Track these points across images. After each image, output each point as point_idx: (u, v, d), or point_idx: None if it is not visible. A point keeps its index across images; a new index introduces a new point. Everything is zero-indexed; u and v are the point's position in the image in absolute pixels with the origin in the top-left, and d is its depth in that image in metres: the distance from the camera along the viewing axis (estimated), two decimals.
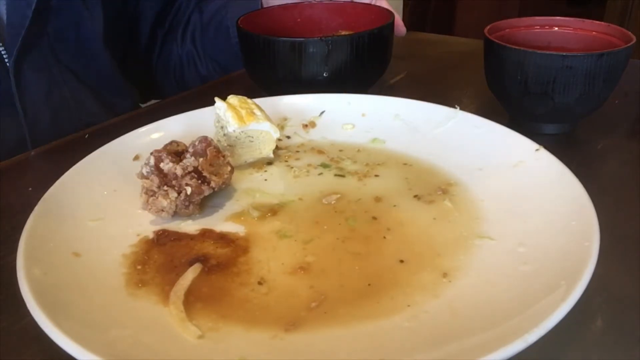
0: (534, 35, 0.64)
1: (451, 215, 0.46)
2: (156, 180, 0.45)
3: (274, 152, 0.56)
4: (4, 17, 0.66)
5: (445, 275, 0.39)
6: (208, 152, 0.46)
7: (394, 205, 0.47)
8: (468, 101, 0.71)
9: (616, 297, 0.38)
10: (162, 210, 0.45)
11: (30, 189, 0.52)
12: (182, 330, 0.35)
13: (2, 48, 0.66)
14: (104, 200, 0.47)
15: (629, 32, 0.58)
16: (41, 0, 0.66)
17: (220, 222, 0.46)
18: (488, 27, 0.61)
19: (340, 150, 0.57)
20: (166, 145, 0.48)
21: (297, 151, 0.57)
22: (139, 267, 0.40)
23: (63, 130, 0.71)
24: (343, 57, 0.65)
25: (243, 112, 0.52)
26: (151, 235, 0.44)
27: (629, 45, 0.55)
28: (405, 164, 0.54)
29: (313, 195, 0.49)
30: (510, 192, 0.46)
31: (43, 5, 0.66)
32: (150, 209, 0.45)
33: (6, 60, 0.66)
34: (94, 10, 0.74)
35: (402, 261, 0.41)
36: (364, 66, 0.67)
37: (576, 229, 0.39)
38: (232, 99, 0.54)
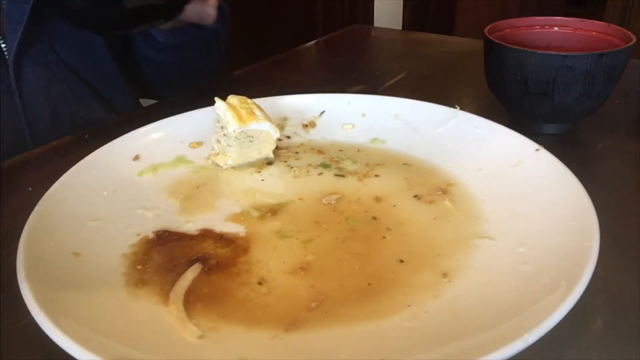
0: (534, 35, 0.64)
1: (451, 215, 0.46)
2: None
3: (274, 152, 0.56)
4: (5, 11, 0.66)
5: (445, 275, 0.39)
6: None
7: (394, 205, 0.47)
8: (468, 101, 0.71)
9: (616, 297, 0.38)
10: None
11: (30, 189, 0.52)
12: (182, 330, 0.35)
13: (4, 43, 0.66)
14: (104, 200, 0.47)
15: (629, 32, 0.58)
16: None
17: (220, 222, 0.46)
18: (488, 27, 0.61)
19: (340, 150, 0.57)
20: None
21: (297, 151, 0.57)
22: (139, 267, 0.40)
23: (62, 127, 0.71)
24: None
25: (243, 112, 0.52)
26: (151, 235, 0.44)
27: (629, 45, 0.55)
28: (405, 164, 0.54)
29: (313, 195, 0.49)
30: (510, 192, 0.46)
31: (41, 1, 0.66)
32: None
33: (7, 55, 0.66)
34: None
35: (402, 261, 0.41)
36: None
37: (576, 229, 0.39)
38: (232, 99, 0.54)
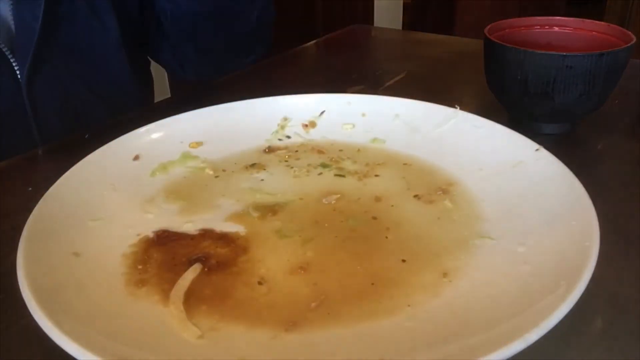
0: (534, 35, 0.64)
1: (451, 215, 0.46)
2: None
3: (274, 152, 0.55)
4: (14, 31, 0.65)
5: (445, 275, 0.39)
6: None
7: (394, 205, 0.47)
8: (468, 101, 0.72)
9: (616, 297, 0.38)
10: None
11: (30, 189, 0.52)
12: (182, 330, 0.35)
13: (15, 62, 0.65)
14: (104, 200, 0.47)
15: (629, 32, 0.58)
16: (48, 12, 0.65)
17: (221, 222, 0.46)
18: (488, 27, 0.61)
19: (340, 150, 0.57)
20: None
21: (297, 151, 0.57)
22: (140, 266, 0.40)
23: None
24: None
25: None
26: (151, 235, 0.44)
27: (629, 45, 0.55)
28: (405, 163, 0.54)
29: (313, 195, 0.49)
30: (510, 192, 0.46)
31: (51, 18, 0.65)
32: None
33: (19, 75, 0.65)
34: (106, 20, 0.71)
35: (404, 261, 0.41)
36: None
37: (576, 229, 0.38)
38: None
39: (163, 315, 0.36)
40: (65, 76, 0.70)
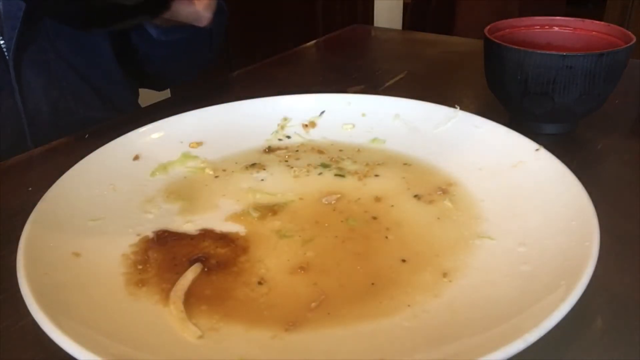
0: (534, 35, 0.64)
1: (451, 215, 0.46)
2: None
3: (274, 152, 0.55)
4: (1, 9, 0.66)
5: (445, 275, 0.39)
6: None
7: (394, 205, 0.47)
8: (468, 101, 0.72)
9: (616, 297, 0.38)
10: None
11: (30, 189, 0.52)
12: (182, 330, 0.35)
13: (2, 41, 0.66)
14: (103, 200, 0.47)
15: (629, 32, 0.58)
16: None
17: (221, 222, 0.46)
18: (488, 27, 0.61)
19: (340, 150, 0.57)
20: None
21: (297, 151, 0.57)
22: (140, 266, 0.40)
23: (62, 125, 0.70)
24: None
25: None
26: (151, 235, 0.44)
27: (629, 45, 0.55)
28: (405, 163, 0.54)
29: (313, 195, 0.49)
30: (510, 192, 0.46)
31: None
32: None
33: (6, 53, 0.66)
34: None
35: (404, 261, 0.41)
36: None
37: (576, 229, 0.38)
38: None
39: (163, 315, 0.36)
40: (52, 58, 0.71)
